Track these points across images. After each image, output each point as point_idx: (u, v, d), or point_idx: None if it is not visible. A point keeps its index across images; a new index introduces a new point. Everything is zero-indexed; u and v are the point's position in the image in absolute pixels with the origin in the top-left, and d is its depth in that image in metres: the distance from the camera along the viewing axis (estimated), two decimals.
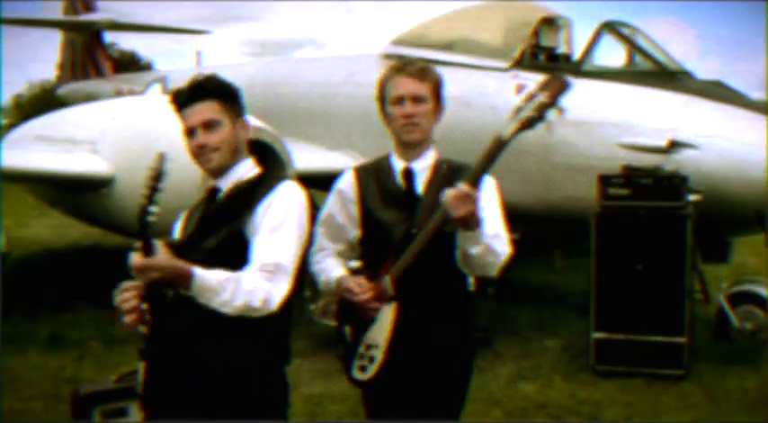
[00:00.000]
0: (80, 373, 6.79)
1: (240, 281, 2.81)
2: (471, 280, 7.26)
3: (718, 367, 7.05)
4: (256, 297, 2.82)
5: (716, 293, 7.78)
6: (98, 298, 7.68)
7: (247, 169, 3.11)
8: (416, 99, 3.27)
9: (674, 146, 7.33)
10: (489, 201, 3.27)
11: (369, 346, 3.27)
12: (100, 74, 17.10)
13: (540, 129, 8.15)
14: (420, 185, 3.34)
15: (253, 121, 8.24)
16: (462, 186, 2.95)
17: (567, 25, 9.02)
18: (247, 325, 2.87)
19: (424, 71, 3.31)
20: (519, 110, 3.04)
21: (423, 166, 3.36)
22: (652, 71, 8.07)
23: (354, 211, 3.45)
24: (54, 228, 14.28)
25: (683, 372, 6.77)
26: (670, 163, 7.23)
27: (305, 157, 9.99)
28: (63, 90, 17.94)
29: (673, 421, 6.01)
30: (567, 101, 7.98)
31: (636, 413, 6.13)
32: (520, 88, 8.45)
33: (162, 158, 2.78)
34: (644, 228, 6.77)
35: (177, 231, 3.22)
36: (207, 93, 3.03)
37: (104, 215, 8.73)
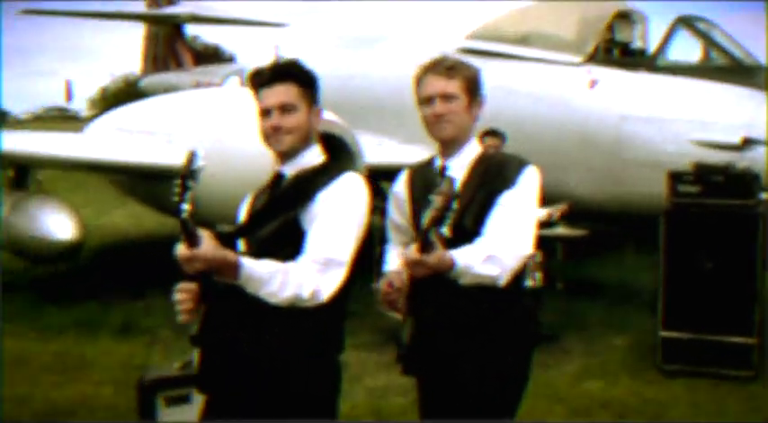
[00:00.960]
0: (150, 359, 6.93)
1: (289, 272, 2.81)
2: (539, 275, 7.21)
3: None
4: (306, 289, 2.82)
5: None
6: (171, 287, 7.88)
7: (314, 157, 3.11)
8: (446, 97, 3.23)
9: (748, 143, 7.20)
10: (510, 201, 3.19)
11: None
12: (180, 66, 17.40)
13: (612, 123, 8.03)
14: (458, 183, 3.30)
15: (324, 113, 8.37)
16: (413, 252, 2.90)
17: (643, 20, 8.92)
18: (298, 314, 2.87)
19: (452, 68, 3.26)
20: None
21: (461, 164, 3.31)
22: (727, 67, 7.93)
23: (407, 210, 3.45)
24: (132, 217, 14.55)
25: (752, 373, 6.63)
26: (743, 160, 7.10)
27: (378, 150, 10.08)
28: (145, 82, 18.30)
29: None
30: (640, 96, 7.87)
31: (701, 414, 6.03)
32: (593, 83, 8.38)
33: (192, 157, 2.78)
34: (714, 226, 6.65)
35: (242, 214, 3.25)
36: (288, 76, 3.04)
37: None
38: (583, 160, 8.30)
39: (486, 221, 3.18)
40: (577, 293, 8.74)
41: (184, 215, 2.70)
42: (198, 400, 5.30)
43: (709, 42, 8.18)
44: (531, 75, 9.04)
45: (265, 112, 3.06)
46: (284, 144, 3.06)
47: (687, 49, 8.41)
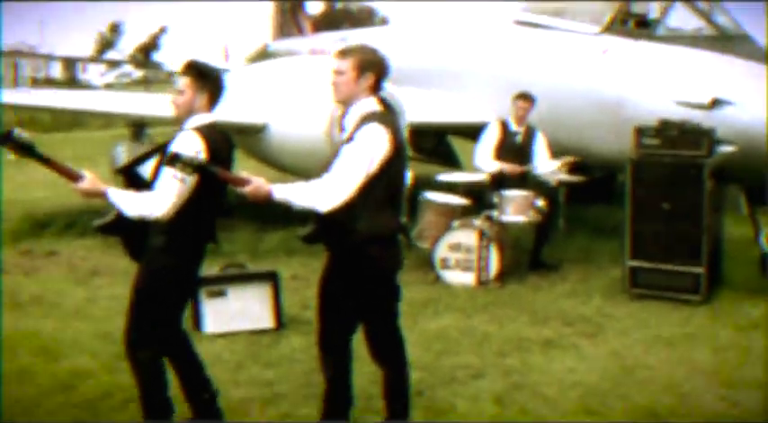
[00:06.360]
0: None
1: (133, 199, 4.56)
2: (532, 213, 8.56)
3: (743, 298, 8.09)
4: (144, 211, 4.52)
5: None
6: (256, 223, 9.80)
7: (195, 122, 4.76)
8: (336, 72, 4.70)
9: (716, 103, 8.38)
10: (343, 153, 4.53)
11: None
12: (301, 33, 19.29)
13: (616, 85, 9.23)
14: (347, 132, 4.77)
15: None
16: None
17: None
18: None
19: (345, 52, 4.71)
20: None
21: (350, 119, 4.71)
22: (714, 36, 9.08)
23: None
24: None
25: (701, 298, 7.90)
26: (712, 118, 8.29)
27: (446, 107, 11.68)
28: (273, 47, 20.28)
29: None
30: (638, 60, 9.08)
31: (635, 325, 7.38)
32: (604, 52, 9.68)
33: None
34: (670, 173, 7.94)
35: None
36: (185, 69, 4.83)
37: (262, 154, 10.80)
38: (594, 120, 9.61)
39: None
40: (587, 232, 10.14)
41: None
42: (232, 294, 7.13)
43: (697, 14, 9.30)
44: (560, 44, 10.36)
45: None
46: (176, 115, 4.84)
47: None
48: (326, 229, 4.65)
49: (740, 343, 6.91)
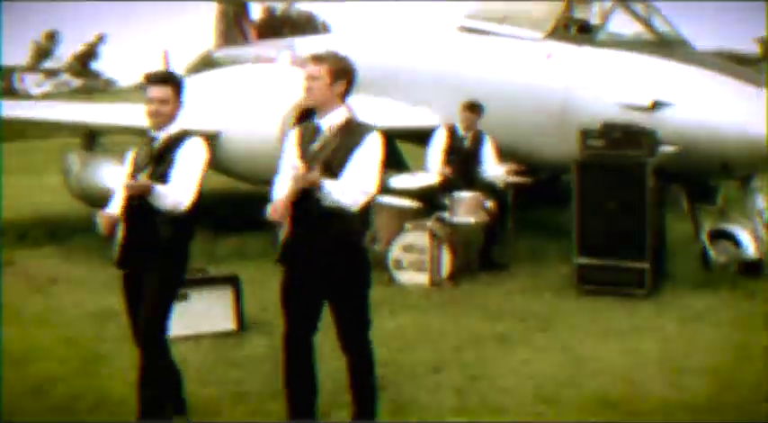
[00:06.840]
0: None
1: (170, 193, 4.89)
2: (481, 213, 8.81)
3: (686, 291, 8.48)
4: (177, 202, 4.90)
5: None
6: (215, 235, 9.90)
7: (175, 128, 5.08)
8: (311, 77, 4.90)
9: (657, 105, 8.74)
10: (360, 156, 4.82)
11: None
12: (246, 40, 19.41)
13: (560, 89, 9.51)
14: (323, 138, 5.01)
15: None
16: (301, 168, 4.67)
17: (600, 1, 10.37)
18: (174, 217, 4.95)
19: (319, 58, 4.92)
20: None
21: (328, 123, 4.91)
22: (653, 41, 9.45)
23: (296, 151, 5.18)
24: None
25: (646, 292, 8.25)
26: (652, 120, 8.64)
27: (393, 113, 11.89)
28: (216, 55, 20.35)
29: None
30: (581, 65, 9.37)
31: (584, 319, 7.69)
32: (548, 57, 10.01)
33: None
34: (614, 173, 8.28)
35: (129, 162, 5.26)
36: (166, 80, 5.05)
37: (214, 162, 10.91)
38: (540, 123, 9.93)
39: (346, 167, 4.83)
40: (535, 232, 10.47)
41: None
42: (194, 297, 7.24)
43: (637, 20, 9.68)
44: (505, 49, 10.67)
45: (150, 100, 5.04)
46: (158, 122, 5.07)
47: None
48: (325, 225, 4.84)
49: (684, 333, 7.26)
